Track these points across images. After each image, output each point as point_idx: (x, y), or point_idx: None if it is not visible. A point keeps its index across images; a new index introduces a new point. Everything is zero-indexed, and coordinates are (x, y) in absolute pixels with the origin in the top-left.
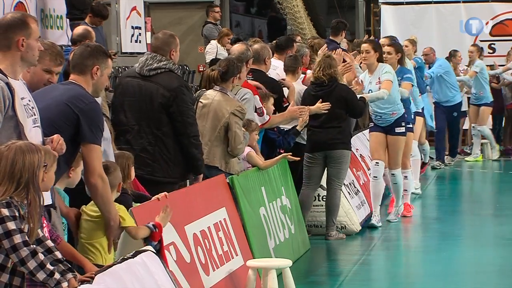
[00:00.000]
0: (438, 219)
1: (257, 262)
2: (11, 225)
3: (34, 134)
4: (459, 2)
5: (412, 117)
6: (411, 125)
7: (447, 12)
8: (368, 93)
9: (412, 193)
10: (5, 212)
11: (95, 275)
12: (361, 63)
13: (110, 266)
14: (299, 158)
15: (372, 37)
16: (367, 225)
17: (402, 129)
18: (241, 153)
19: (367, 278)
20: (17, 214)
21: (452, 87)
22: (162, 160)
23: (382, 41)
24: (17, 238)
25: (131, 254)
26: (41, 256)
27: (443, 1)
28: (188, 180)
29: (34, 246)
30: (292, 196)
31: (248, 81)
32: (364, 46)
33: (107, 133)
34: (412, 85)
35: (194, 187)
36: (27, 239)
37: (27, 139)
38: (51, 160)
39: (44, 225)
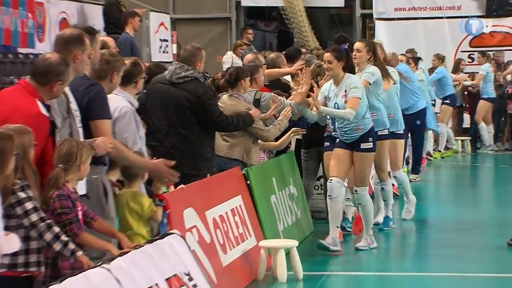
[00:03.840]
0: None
1: (268, 242)
2: (29, 205)
3: (81, 134)
4: (442, 18)
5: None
6: (386, 131)
7: (432, 27)
8: (334, 106)
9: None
10: (22, 194)
11: (130, 252)
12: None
13: (141, 246)
14: (305, 131)
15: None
16: (320, 247)
17: (369, 145)
18: (271, 137)
19: (365, 257)
20: (31, 194)
21: (413, 93)
22: (189, 156)
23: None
24: (34, 216)
25: (160, 236)
26: (56, 229)
27: (428, 17)
28: (208, 174)
29: (50, 220)
30: (298, 185)
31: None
32: (327, 55)
33: (142, 132)
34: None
35: (214, 178)
36: (43, 215)
37: (78, 137)
38: (87, 154)
39: (79, 208)
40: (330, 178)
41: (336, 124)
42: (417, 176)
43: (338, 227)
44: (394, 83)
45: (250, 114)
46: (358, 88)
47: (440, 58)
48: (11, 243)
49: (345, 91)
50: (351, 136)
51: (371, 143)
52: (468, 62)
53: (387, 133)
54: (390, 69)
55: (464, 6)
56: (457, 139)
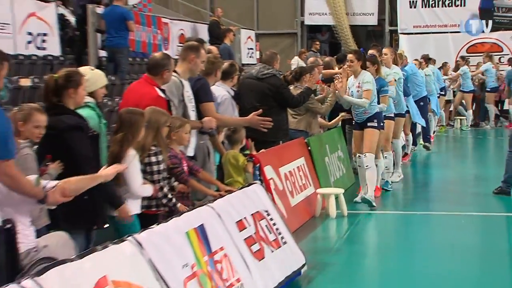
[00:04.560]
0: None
1: (323, 190)
2: (155, 168)
3: (192, 114)
4: (447, 33)
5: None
6: (392, 114)
7: (439, 39)
8: (351, 93)
9: (394, 182)
10: (153, 159)
11: (225, 195)
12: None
13: (233, 191)
14: (350, 116)
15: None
16: (363, 201)
17: (374, 124)
18: (327, 112)
19: (388, 202)
20: (160, 159)
21: (417, 85)
22: (270, 128)
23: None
24: (156, 177)
25: (247, 184)
26: (165, 190)
27: (437, 32)
28: (281, 141)
29: (162, 183)
30: (344, 150)
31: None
32: (349, 56)
33: (236, 112)
34: (390, 96)
35: (285, 144)
36: (160, 178)
37: (189, 116)
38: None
39: (185, 164)
40: (358, 155)
41: (352, 108)
42: (429, 144)
43: (366, 185)
44: (395, 80)
45: (307, 87)
46: (369, 83)
47: (433, 61)
48: (145, 189)
49: (359, 83)
50: (361, 117)
51: (376, 123)
52: (484, 61)
53: (392, 115)
54: (395, 69)
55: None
56: (456, 119)
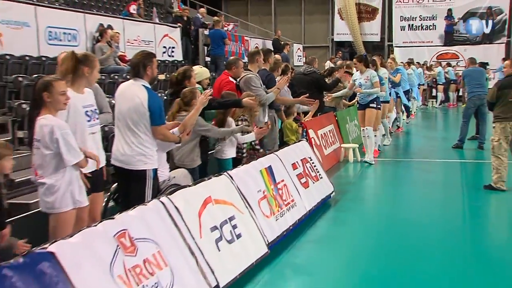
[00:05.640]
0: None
1: (345, 145)
2: (237, 129)
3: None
4: (423, 46)
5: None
6: (380, 106)
7: (418, 50)
8: (359, 84)
9: (385, 145)
10: (240, 123)
11: (285, 147)
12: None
13: (288, 145)
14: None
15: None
16: (363, 161)
17: (374, 105)
18: (348, 95)
19: (385, 154)
20: (246, 123)
21: (404, 80)
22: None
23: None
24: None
25: (298, 141)
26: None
27: (417, 46)
28: (319, 114)
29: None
30: (357, 121)
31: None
32: (354, 60)
33: (290, 95)
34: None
35: (322, 116)
36: (239, 135)
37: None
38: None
39: (255, 127)
40: (362, 128)
41: (360, 93)
42: (408, 120)
43: (371, 151)
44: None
45: (337, 77)
46: (376, 77)
47: (417, 64)
48: (245, 137)
49: (367, 77)
50: (365, 99)
51: (375, 104)
52: (435, 66)
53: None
54: (383, 71)
55: (434, 41)
56: (430, 101)
